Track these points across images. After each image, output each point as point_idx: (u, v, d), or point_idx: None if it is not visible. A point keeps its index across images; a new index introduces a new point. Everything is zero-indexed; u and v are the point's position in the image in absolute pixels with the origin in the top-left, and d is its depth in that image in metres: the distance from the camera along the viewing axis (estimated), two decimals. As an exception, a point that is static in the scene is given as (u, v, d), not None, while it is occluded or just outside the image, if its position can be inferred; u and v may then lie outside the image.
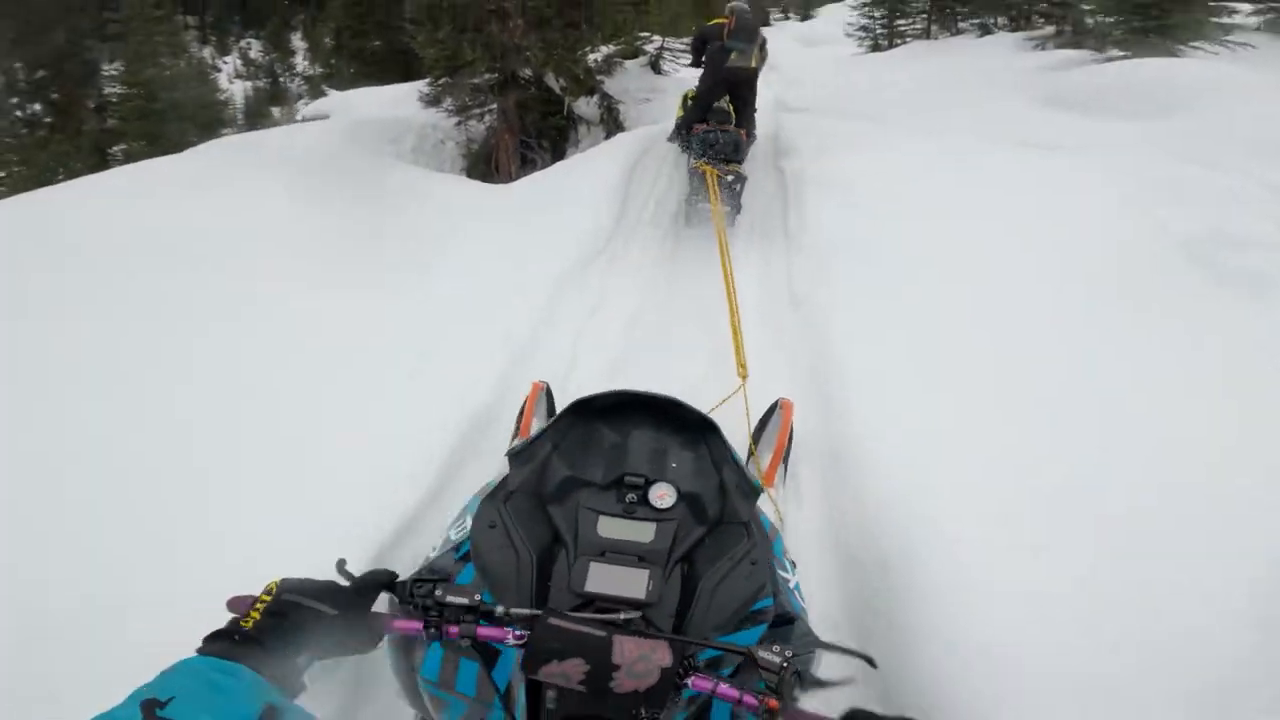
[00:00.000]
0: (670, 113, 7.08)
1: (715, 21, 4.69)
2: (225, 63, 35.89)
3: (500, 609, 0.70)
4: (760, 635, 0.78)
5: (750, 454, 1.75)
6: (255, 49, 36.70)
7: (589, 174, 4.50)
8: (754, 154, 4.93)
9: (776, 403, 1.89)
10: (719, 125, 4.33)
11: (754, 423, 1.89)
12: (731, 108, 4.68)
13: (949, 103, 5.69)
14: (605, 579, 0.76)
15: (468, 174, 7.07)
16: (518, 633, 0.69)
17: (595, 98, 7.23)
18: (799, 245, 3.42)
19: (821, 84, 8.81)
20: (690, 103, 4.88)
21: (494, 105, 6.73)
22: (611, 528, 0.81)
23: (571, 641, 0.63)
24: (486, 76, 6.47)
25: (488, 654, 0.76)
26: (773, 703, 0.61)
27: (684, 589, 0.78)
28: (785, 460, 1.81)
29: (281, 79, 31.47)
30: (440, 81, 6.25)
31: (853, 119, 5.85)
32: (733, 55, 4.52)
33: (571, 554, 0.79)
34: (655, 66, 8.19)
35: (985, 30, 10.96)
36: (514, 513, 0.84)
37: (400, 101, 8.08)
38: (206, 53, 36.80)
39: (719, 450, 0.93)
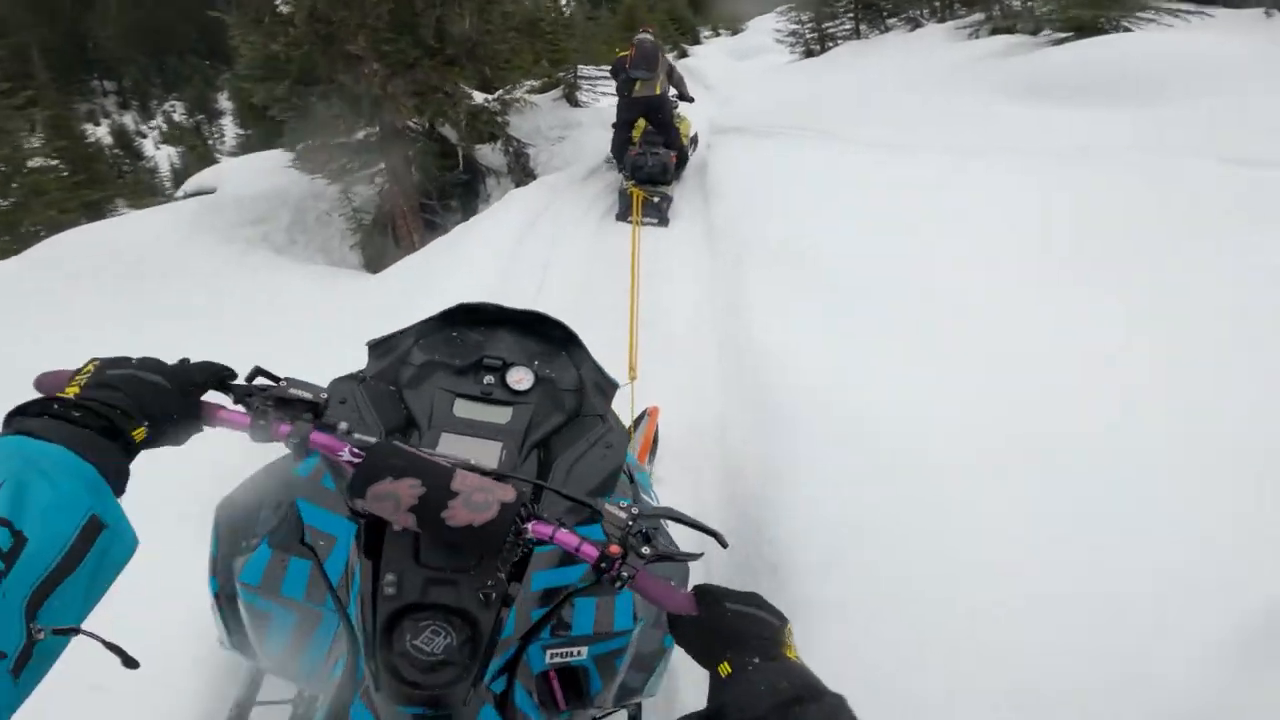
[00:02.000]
0: (587, 149, 6.28)
1: (622, 54, 5.03)
2: (150, 129, 34.77)
3: (343, 425, 0.64)
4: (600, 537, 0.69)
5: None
6: (180, 111, 35.57)
7: (466, 254, 3.61)
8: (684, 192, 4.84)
9: (645, 411, 2.03)
10: (649, 149, 4.77)
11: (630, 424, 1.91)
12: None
13: (903, 105, 4.96)
14: (457, 450, 0.72)
15: (362, 251, 6.11)
16: (355, 450, 0.62)
17: (499, 143, 6.37)
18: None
19: (758, 98, 8.16)
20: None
21: (381, 165, 5.82)
22: (467, 409, 0.79)
23: (411, 461, 0.59)
24: (366, 131, 5.57)
25: (318, 553, 0.76)
26: (615, 548, 0.60)
27: (539, 473, 0.76)
28: (650, 460, 1.91)
29: (211, 141, 30.36)
30: (299, 146, 5.30)
31: (796, 136, 5.10)
32: (637, 85, 4.87)
33: (423, 433, 0.75)
34: (571, 99, 7.39)
35: (914, 24, 10.54)
36: (367, 393, 0.78)
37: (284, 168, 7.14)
38: (129, 119, 35.64)
39: (578, 354, 0.92)
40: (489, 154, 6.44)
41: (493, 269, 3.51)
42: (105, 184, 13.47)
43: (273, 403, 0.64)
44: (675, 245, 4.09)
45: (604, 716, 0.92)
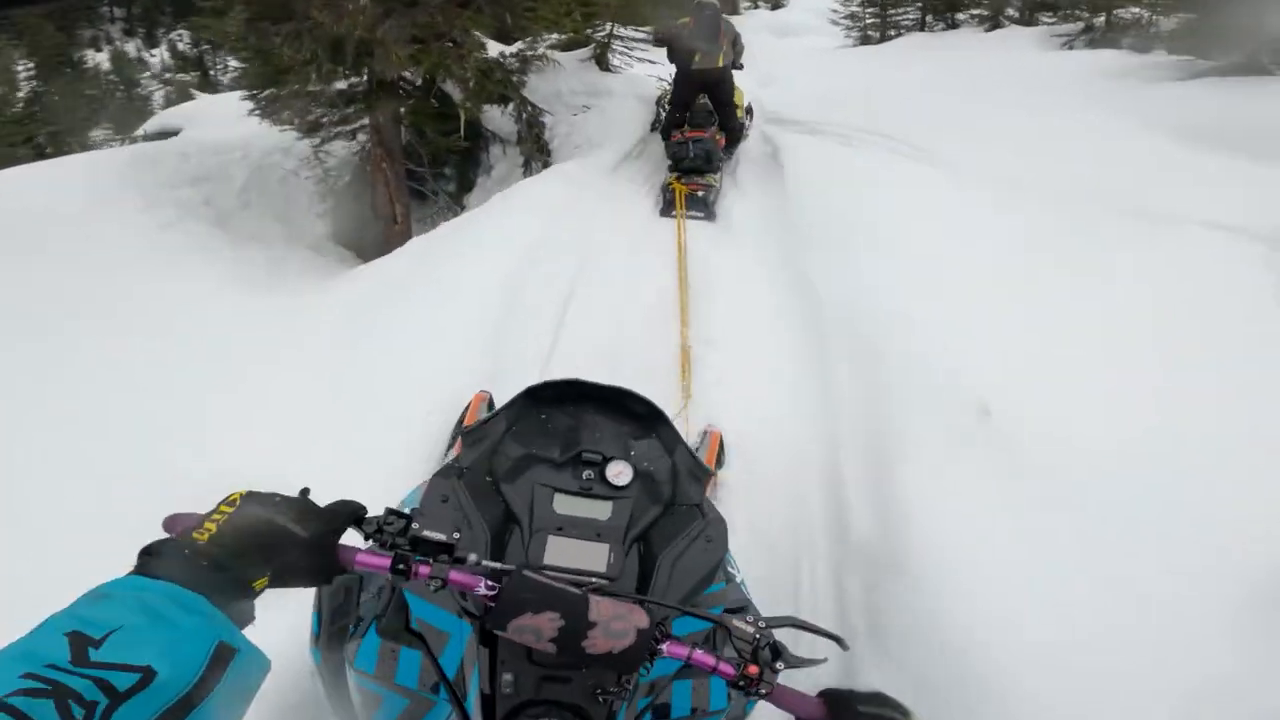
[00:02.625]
0: (617, 126, 5.19)
1: (680, 22, 4.45)
2: (153, 56, 32.67)
3: (473, 557, 0.64)
4: (704, 625, 0.76)
5: None
6: (186, 39, 33.17)
7: (455, 291, 2.60)
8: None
9: (705, 431, 1.93)
10: (692, 134, 4.26)
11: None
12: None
13: (1014, 126, 3.94)
14: (564, 553, 0.74)
15: (331, 219, 5.02)
16: (490, 583, 0.63)
17: (510, 106, 5.23)
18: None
19: (806, 82, 7.01)
20: (666, 107, 4.82)
21: (364, 120, 4.69)
22: (568, 505, 0.79)
23: (548, 594, 0.60)
24: (351, 81, 4.42)
25: (430, 644, 0.77)
26: (752, 668, 0.61)
27: (642, 567, 0.77)
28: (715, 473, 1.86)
29: (213, 73, 28.18)
30: (262, 95, 4.15)
31: (867, 145, 4.08)
32: (696, 57, 4.33)
33: (527, 532, 0.77)
34: (601, 61, 6.20)
35: (993, 23, 9.36)
36: (467, 489, 0.79)
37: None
38: (132, 46, 33.40)
39: (668, 436, 0.91)
40: (498, 118, 5.31)
41: (497, 302, 2.52)
42: (55, 119, 12.25)
43: (409, 544, 0.64)
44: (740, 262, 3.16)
45: None
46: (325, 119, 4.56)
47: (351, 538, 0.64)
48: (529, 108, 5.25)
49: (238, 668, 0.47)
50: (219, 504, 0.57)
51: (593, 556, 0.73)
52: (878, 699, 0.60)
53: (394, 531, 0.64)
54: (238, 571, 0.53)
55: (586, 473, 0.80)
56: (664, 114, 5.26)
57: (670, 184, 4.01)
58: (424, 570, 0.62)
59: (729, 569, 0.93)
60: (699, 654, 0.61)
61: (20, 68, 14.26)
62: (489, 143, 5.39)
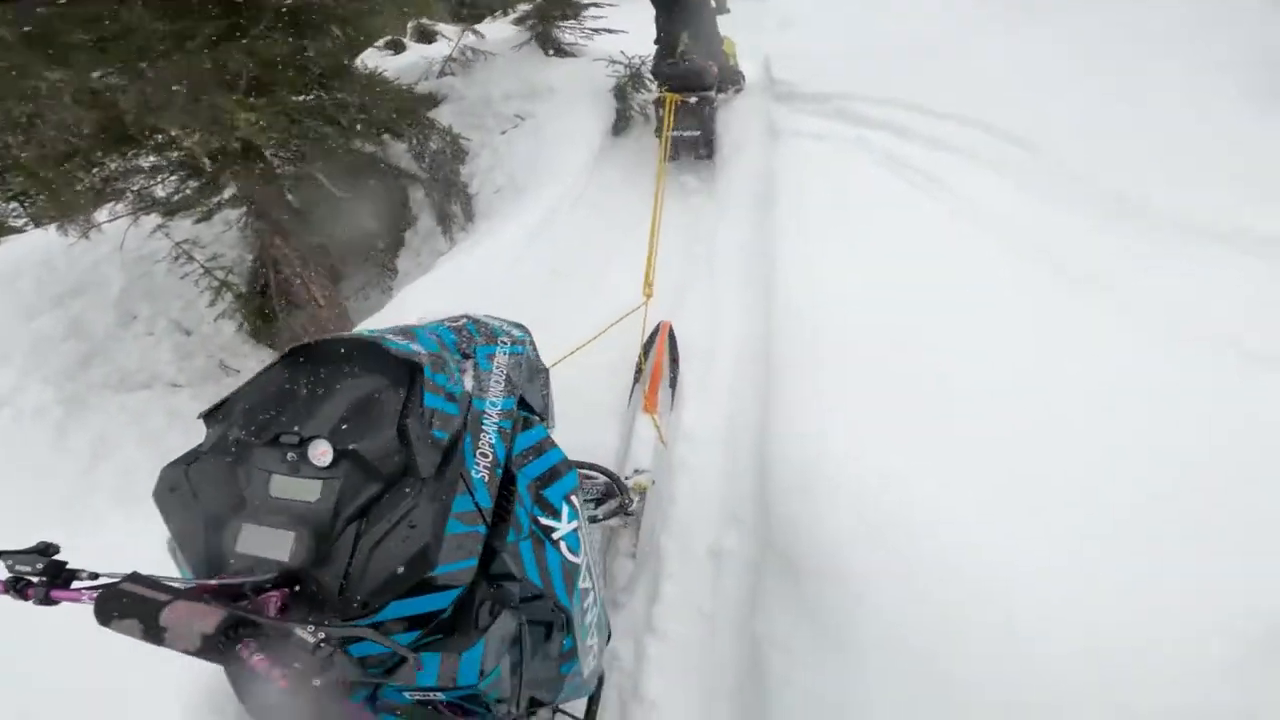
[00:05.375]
0: (552, 148, 3.80)
1: None
2: None
3: (87, 570, 0.73)
4: (429, 607, 0.76)
5: (637, 377, 2.02)
6: None
7: None
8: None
9: (658, 326, 2.08)
10: (680, 56, 3.78)
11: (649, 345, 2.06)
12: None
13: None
14: (255, 540, 0.76)
15: (243, 317, 4.19)
16: (91, 593, 0.70)
17: (415, 136, 3.98)
18: None
19: (844, 27, 4.76)
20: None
21: (226, 193, 3.69)
22: (281, 486, 0.79)
23: (128, 604, 0.64)
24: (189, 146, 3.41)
25: None
26: (283, 682, 0.62)
27: (355, 549, 0.77)
28: (672, 384, 2.05)
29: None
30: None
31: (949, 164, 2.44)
32: None
33: (244, 515, 0.79)
34: (545, 40, 4.66)
35: None
36: (200, 474, 0.82)
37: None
38: None
39: (415, 397, 0.85)
40: (404, 156, 4.11)
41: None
42: None
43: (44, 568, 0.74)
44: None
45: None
46: (179, 194, 3.62)
47: None
48: (445, 136, 3.95)
49: None
50: None
51: (278, 545, 0.74)
52: None
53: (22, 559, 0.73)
54: None
55: (290, 454, 0.79)
56: (629, 110, 4.06)
57: (661, 95, 3.62)
58: (29, 593, 0.72)
59: (510, 540, 0.89)
60: (257, 658, 0.63)
61: None
62: (405, 188, 4.22)
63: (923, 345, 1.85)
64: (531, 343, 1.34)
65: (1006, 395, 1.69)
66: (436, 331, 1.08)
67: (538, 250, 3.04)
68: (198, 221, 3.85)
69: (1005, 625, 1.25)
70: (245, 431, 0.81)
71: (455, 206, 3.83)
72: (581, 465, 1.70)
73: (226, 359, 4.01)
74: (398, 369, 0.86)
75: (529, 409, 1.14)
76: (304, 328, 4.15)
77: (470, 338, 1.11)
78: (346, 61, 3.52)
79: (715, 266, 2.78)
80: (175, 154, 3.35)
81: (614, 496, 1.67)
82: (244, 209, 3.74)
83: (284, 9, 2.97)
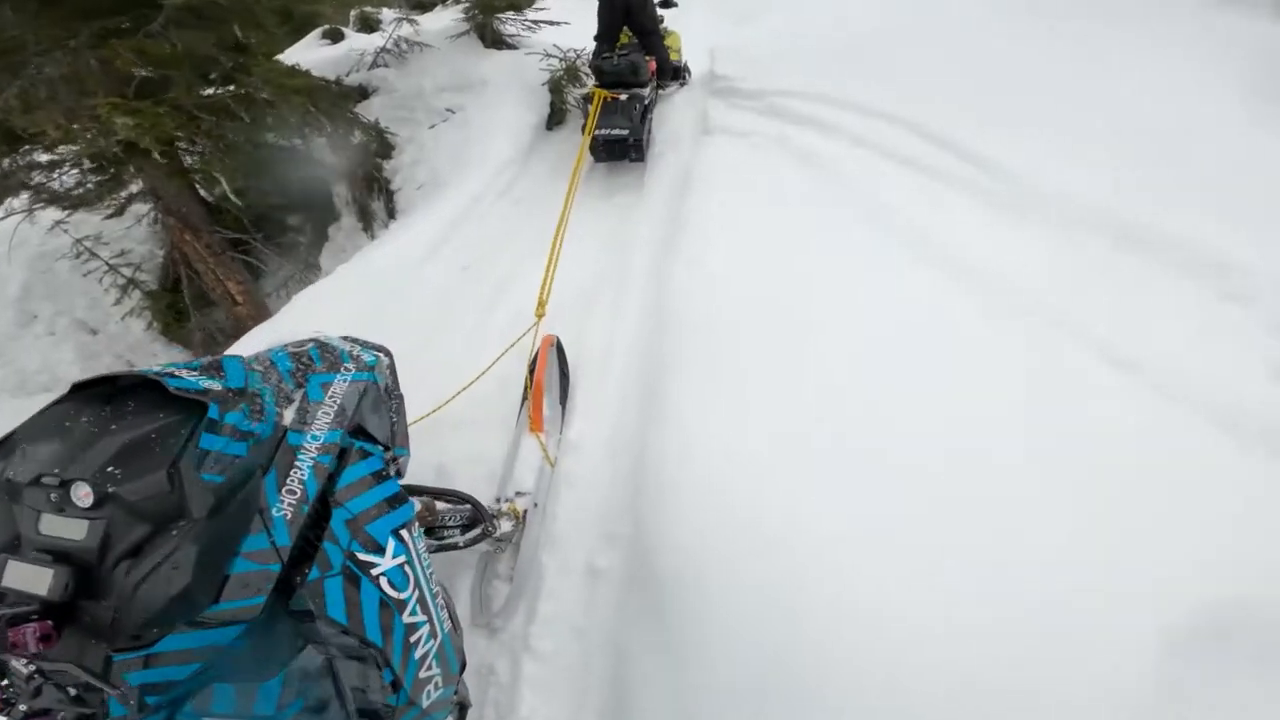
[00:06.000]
0: (479, 145, 3.65)
1: None
2: None
3: None
4: (207, 642, 0.80)
5: (525, 396, 1.98)
6: None
7: None
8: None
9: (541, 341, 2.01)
10: (617, 53, 3.70)
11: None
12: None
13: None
14: (17, 576, 0.77)
15: (152, 315, 3.99)
16: None
17: (334, 127, 3.81)
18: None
19: (809, 20, 4.68)
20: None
21: (133, 188, 3.49)
22: (49, 524, 0.80)
23: None
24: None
25: None
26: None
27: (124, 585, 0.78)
28: (563, 400, 2.01)
29: None
30: None
31: (868, 162, 2.36)
32: None
33: (15, 551, 0.79)
34: (484, 31, 4.52)
35: None
36: None
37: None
38: None
39: (183, 441, 0.83)
40: (325, 149, 3.93)
41: None
42: None
43: None
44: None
45: None
46: (81, 188, 3.41)
47: None
48: (369, 131, 3.79)
49: None
50: None
51: (38, 580, 0.75)
52: None
53: None
54: None
55: (53, 494, 0.80)
56: (564, 104, 3.95)
57: (591, 91, 3.55)
58: None
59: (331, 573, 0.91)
60: (22, 703, 0.68)
61: None
62: (328, 183, 4.04)
63: (806, 339, 1.79)
64: (389, 367, 1.31)
65: (889, 392, 1.62)
66: (273, 358, 1.07)
67: (452, 246, 2.91)
68: (109, 217, 3.63)
69: (850, 622, 1.21)
70: (15, 471, 0.83)
71: (378, 203, 3.67)
72: (443, 493, 1.68)
73: (134, 359, 3.80)
74: (185, 407, 0.85)
75: (370, 439, 1.13)
76: (220, 325, 3.96)
77: (309, 365, 1.11)
78: (253, 57, 3.32)
79: (629, 269, 2.67)
80: (72, 149, 3.14)
81: (481, 522, 1.66)
82: (151, 204, 3.53)
83: (188, 5, 2.79)
